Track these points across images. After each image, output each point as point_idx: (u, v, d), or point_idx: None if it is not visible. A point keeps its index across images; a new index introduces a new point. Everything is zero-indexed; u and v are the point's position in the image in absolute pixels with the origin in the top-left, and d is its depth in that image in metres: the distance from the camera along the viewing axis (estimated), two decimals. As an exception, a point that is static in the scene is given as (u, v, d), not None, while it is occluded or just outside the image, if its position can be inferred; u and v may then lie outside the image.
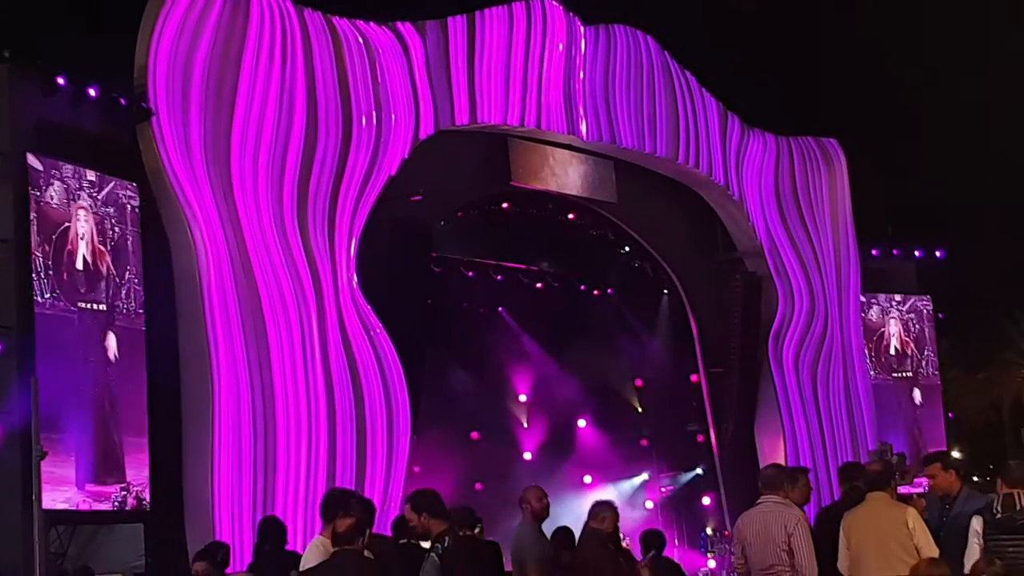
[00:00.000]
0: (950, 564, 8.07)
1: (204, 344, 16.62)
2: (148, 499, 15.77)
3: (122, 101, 16.39)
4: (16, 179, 14.98)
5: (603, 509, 10.58)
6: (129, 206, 16.27)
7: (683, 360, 26.38)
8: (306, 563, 8.61)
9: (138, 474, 15.73)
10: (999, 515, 8.57)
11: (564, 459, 25.68)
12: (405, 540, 9.03)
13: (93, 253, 15.64)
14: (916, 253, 28.97)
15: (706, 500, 26.00)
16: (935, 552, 8.40)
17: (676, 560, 15.99)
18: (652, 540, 11.19)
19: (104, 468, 15.34)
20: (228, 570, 11.26)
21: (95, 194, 15.79)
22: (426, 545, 8.90)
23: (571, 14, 22.89)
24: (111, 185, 16.01)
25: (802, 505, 10.27)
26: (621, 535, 10.31)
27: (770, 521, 9.14)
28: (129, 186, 16.33)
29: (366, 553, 8.18)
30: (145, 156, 16.58)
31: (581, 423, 26.59)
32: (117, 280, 15.89)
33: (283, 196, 18.02)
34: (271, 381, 17.31)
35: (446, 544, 8.47)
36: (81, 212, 15.58)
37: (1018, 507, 8.52)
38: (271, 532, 11.18)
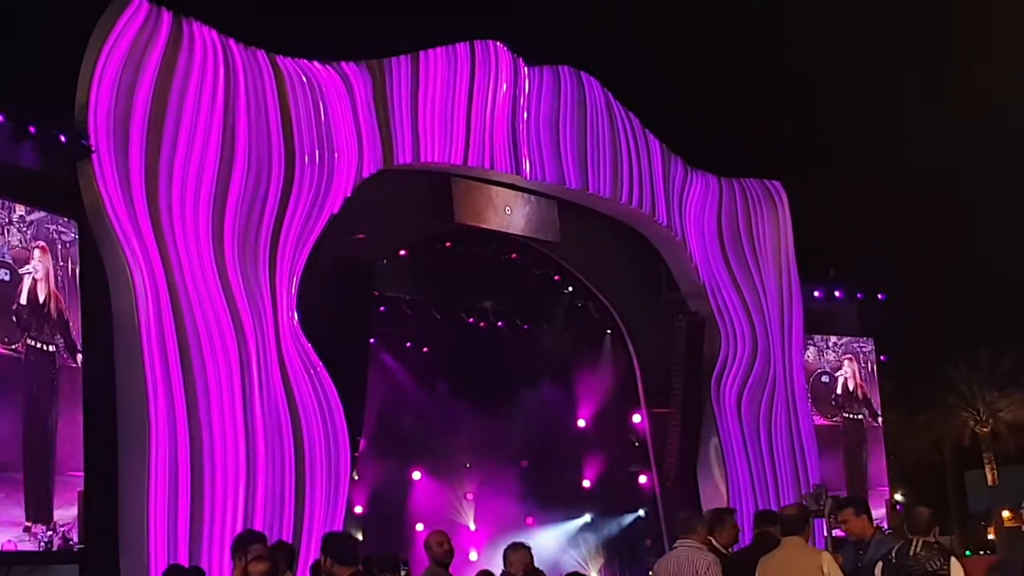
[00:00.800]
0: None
1: (141, 383, 16.50)
2: (75, 539, 15.57)
3: (62, 138, 16.31)
4: (-46, 216, 14.88)
5: (510, 552, 10.66)
6: (67, 243, 16.16)
7: (626, 401, 26.45)
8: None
9: (66, 514, 15.56)
10: (894, 560, 8.74)
11: (506, 500, 25.62)
12: (321, 586, 9.04)
13: (35, 291, 15.53)
14: (858, 295, 29.25)
15: (648, 542, 25.97)
16: (849, 597, 8.51)
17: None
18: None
19: (32, 508, 15.17)
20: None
21: (24, 229, 15.67)
22: None
23: (515, 55, 23.06)
24: (41, 219, 15.86)
25: (729, 547, 10.35)
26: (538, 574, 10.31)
27: (683, 565, 9.20)
28: (68, 223, 16.24)
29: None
30: (85, 194, 16.49)
31: (523, 464, 26.55)
32: (55, 318, 15.78)
33: (224, 234, 17.96)
34: (209, 421, 17.20)
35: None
36: (36, 251, 15.52)
37: (911, 553, 8.69)
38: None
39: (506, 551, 10.75)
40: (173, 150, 17.45)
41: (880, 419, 29.47)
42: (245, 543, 9.14)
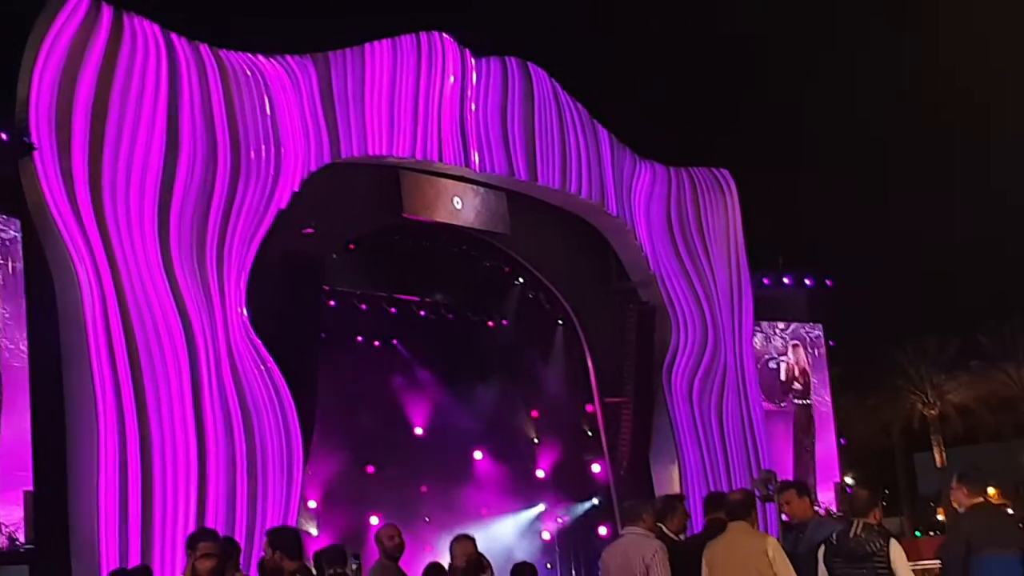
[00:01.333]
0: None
1: (89, 382, 16.40)
2: (22, 540, 15.47)
3: (3, 136, 16.19)
4: None
5: (454, 544, 10.72)
6: (6, 241, 16.03)
7: (578, 390, 26.51)
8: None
9: (11, 514, 15.45)
10: (835, 543, 8.85)
11: (461, 491, 25.65)
12: (271, 580, 9.04)
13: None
14: (807, 282, 29.43)
15: (602, 530, 26.04)
16: (794, 581, 8.58)
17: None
18: (521, 573, 11.29)
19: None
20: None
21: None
22: None
23: (461, 47, 23.04)
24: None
25: (680, 533, 10.41)
26: (485, 564, 10.35)
27: (630, 553, 9.26)
28: (9, 221, 16.12)
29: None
30: (27, 192, 16.38)
31: (477, 455, 26.59)
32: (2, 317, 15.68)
33: (170, 230, 17.87)
34: (159, 419, 17.11)
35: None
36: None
37: (851, 535, 8.79)
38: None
39: (451, 544, 10.80)
40: (117, 146, 17.34)
41: (829, 404, 29.67)
42: (194, 540, 9.13)
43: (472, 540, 10.79)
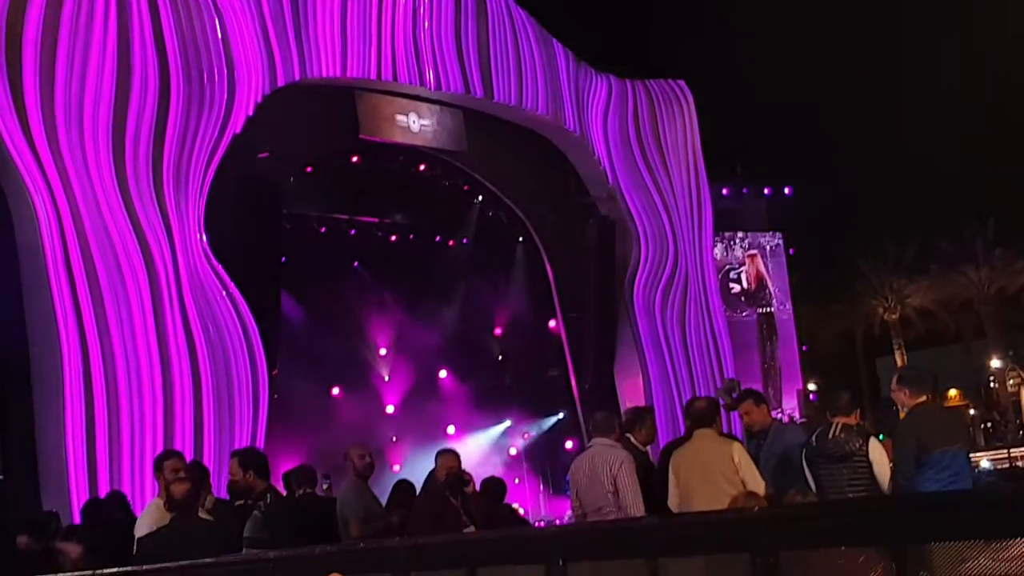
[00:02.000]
0: (774, 493, 8.41)
1: (51, 313, 16.34)
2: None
3: (-47, 67, 15.98)
4: None
5: (438, 456, 10.84)
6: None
7: (541, 307, 26.65)
8: (140, 527, 8.64)
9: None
10: (815, 444, 8.94)
11: (427, 410, 25.80)
12: (241, 502, 9.10)
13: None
14: (765, 191, 29.57)
15: (569, 444, 26.30)
16: (761, 485, 8.66)
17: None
18: (491, 488, 11.45)
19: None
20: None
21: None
22: None
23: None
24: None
25: (648, 444, 10.52)
26: (466, 479, 10.48)
27: (597, 464, 9.34)
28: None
29: (205, 516, 8.21)
30: (-20, 123, 16.22)
31: (442, 374, 26.71)
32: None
33: (125, 157, 17.71)
34: (123, 347, 17.08)
35: (268, 501, 8.59)
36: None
37: (831, 436, 8.87)
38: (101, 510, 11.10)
39: (436, 456, 10.93)
40: (68, 74, 17.10)
41: (790, 312, 29.93)
42: (160, 461, 9.18)
43: (455, 454, 10.92)
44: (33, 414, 16.38)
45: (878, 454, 8.78)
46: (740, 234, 29.31)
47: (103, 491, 15.82)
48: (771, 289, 29.53)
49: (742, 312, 29.15)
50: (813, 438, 8.97)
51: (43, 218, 16.40)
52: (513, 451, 27.22)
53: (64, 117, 16.97)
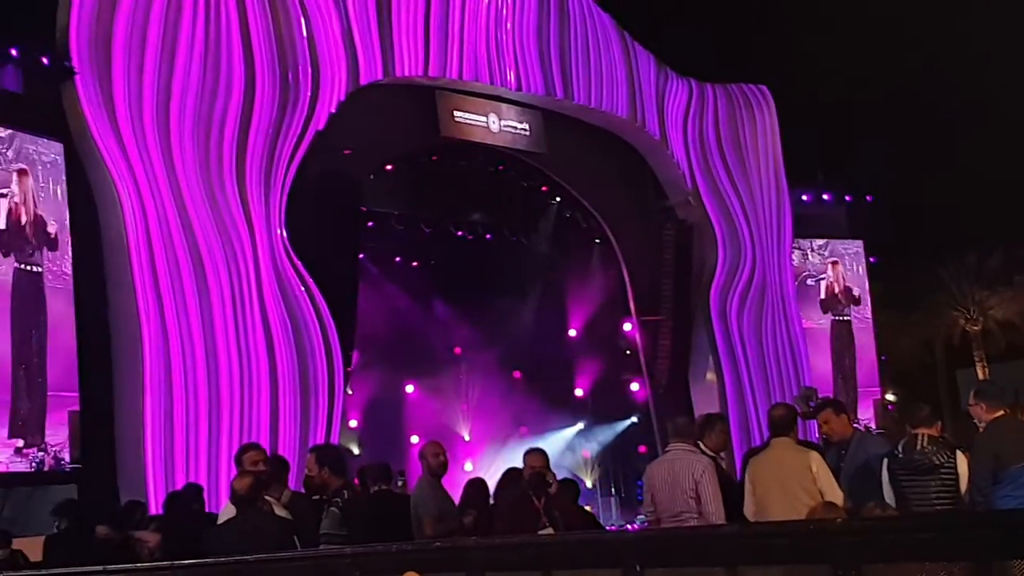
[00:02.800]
0: (853, 505, 8.28)
1: (133, 304, 16.58)
2: (67, 459, 15.70)
3: (44, 61, 16.23)
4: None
5: (525, 455, 10.81)
6: (47, 164, 16.15)
7: (616, 309, 26.54)
8: (221, 519, 8.71)
9: (57, 434, 15.67)
10: (901, 455, 8.74)
11: (500, 410, 25.81)
12: (317, 496, 9.16)
13: (16, 213, 15.57)
14: (846, 198, 29.24)
15: (641, 449, 26.18)
16: (839, 495, 8.53)
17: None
18: (564, 490, 11.40)
19: (22, 429, 15.28)
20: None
21: (3, 151, 15.65)
22: None
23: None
24: (21, 140, 15.82)
25: (719, 452, 10.39)
26: (549, 480, 10.43)
27: (678, 469, 9.21)
28: (50, 144, 16.22)
29: (279, 512, 8.25)
30: (69, 116, 16.47)
31: (516, 374, 26.71)
32: (39, 239, 15.82)
33: (222, 154, 18.01)
34: (203, 339, 17.28)
35: (346, 498, 8.62)
36: (15, 174, 15.53)
37: (918, 448, 8.68)
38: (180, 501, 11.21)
39: (524, 454, 10.89)
40: (157, 71, 17.40)
41: (869, 320, 29.57)
42: (241, 453, 9.26)
43: (541, 453, 10.84)
44: (112, 406, 16.60)
45: (965, 467, 8.61)
46: (819, 241, 29.00)
47: (180, 483, 16.02)
48: (850, 297, 29.19)
49: (818, 320, 28.84)
50: (899, 449, 8.78)
51: (128, 210, 16.63)
52: (585, 454, 27.14)
53: (151, 112, 17.23)
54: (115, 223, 16.68)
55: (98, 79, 16.63)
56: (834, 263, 29.14)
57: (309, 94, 19.43)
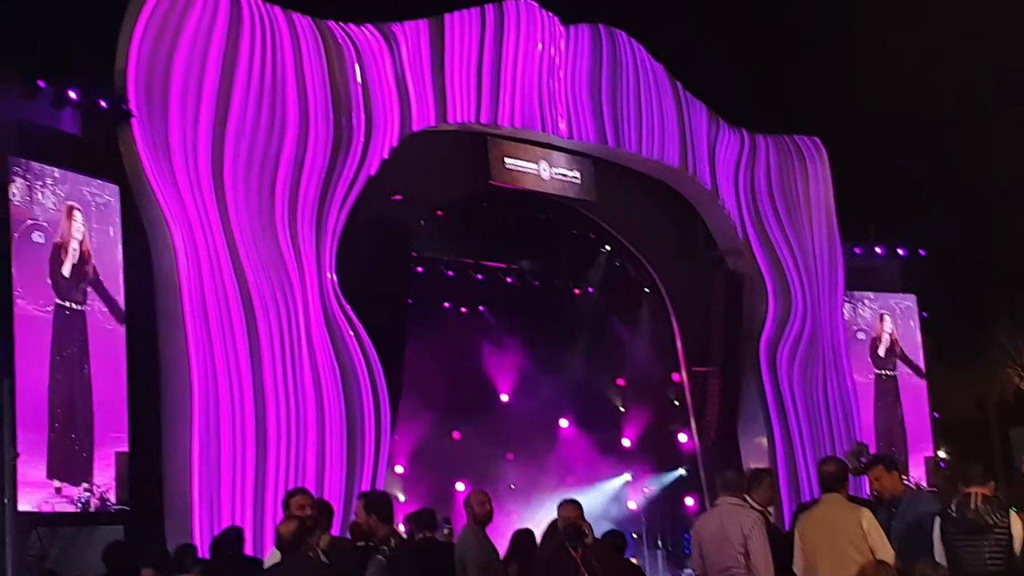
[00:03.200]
0: (903, 564, 8.16)
1: (183, 346, 16.65)
2: (114, 500, 15.73)
3: (102, 103, 16.41)
4: (-1, 183, 15.00)
5: (559, 507, 10.77)
6: (101, 205, 16.29)
7: (665, 359, 26.38)
8: (268, 563, 8.69)
9: (103, 475, 15.70)
10: (954, 514, 8.63)
11: (546, 459, 25.71)
12: (363, 543, 9.13)
13: (69, 254, 15.71)
14: (900, 251, 29.01)
15: (689, 501, 25.99)
16: (890, 553, 8.43)
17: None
18: (611, 541, 11.33)
19: (69, 469, 15.31)
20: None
21: (59, 192, 15.78)
22: None
23: (548, 13, 22.95)
24: (75, 181, 15.98)
25: (767, 507, 10.30)
26: (585, 530, 10.38)
27: (727, 523, 9.15)
28: (104, 186, 16.38)
29: (322, 557, 8.22)
30: (125, 158, 16.62)
31: (563, 423, 26.62)
32: (90, 280, 15.94)
33: (274, 197, 18.18)
34: (254, 382, 17.35)
35: (392, 546, 8.59)
36: (76, 212, 15.66)
37: (972, 507, 8.57)
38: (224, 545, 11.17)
39: (558, 506, 10.86)
40: (214, 114, 17.59)
41: (922, 376, 29.24)
42: (288, 497, 9.26)
43: (575, 504, 10.82)
44: (160, 446, 16.64)
45: (1019, 528, 8.49)
46: (870, 295, 28.75)
47: (226, 525, 16.01)
48: (899, 352, 28.88)
49: (867, 374, 28.56)
50: (952, 508, 8.67)
51: (181, 253, 16.73)
52: (632, 505, 26.95)
53: (207, 155, 17.40)
54: (167, 264, 16.79)
55: (154, 121, 16.79)
56: (883, 317, 28.86)
57: (362, 139, 19.56)
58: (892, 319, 28.98)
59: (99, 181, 16.29)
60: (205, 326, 16.90)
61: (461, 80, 21.34)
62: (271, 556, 8.75)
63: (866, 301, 28.75)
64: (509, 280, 25.21)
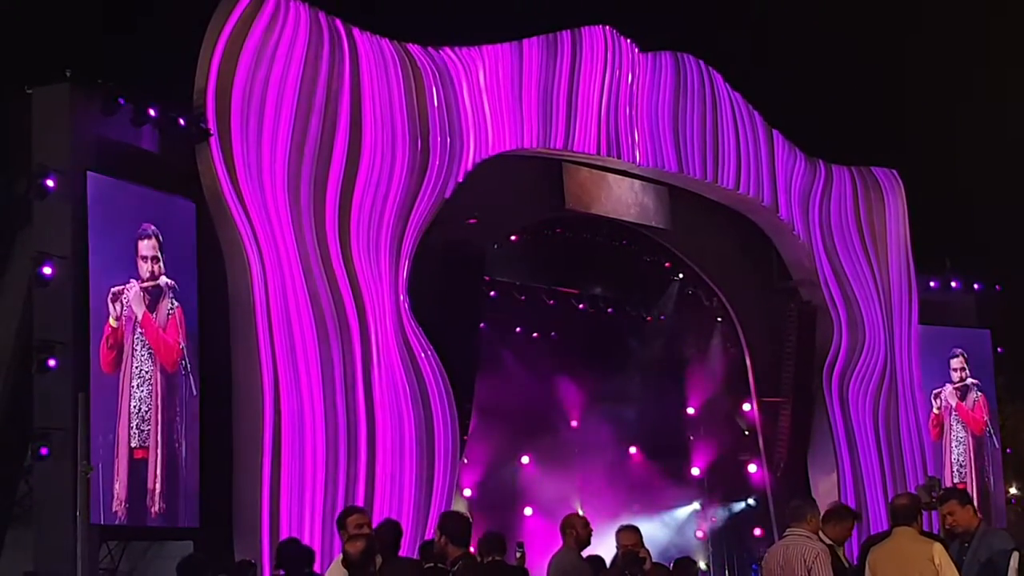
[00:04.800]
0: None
1: (256, 363, 16.77)
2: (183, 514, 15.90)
3: (181, 121, 16.60)
4: (76, 197, 15.21)
5: (619, 532, 10.78)
6: (186, 225, 16.53)
7: (736, 389, 26.28)
8: (326, 582, 8.73)
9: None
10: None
11: (614, 486, 25.60)
12: (431, 564, 9.12)
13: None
14: (975, 286, 28.70)
15: (757, 532, 25.81)
16: (961, 588, 8.36)
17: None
18: (681, 569, 11.28)
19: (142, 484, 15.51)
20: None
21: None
22: None
23: (626, 39, 22.99)
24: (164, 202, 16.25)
25: (839, 542, 10.17)
26: (642, 555, 10.38)
27: (791, 554, 9.08)
28: (187, 205, 16.58)
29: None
30: (203, 177, 16.80)
31: (632, 450, 26.53)
32: (172, 298, 16.14)
33: (349, 219, 18.24)
34: (326, 401, 17.44)
35: (457, 567, 8.59)
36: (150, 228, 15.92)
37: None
38: (286, 555, 11.16)
39: (616, 532, 10.84)
40: (291, 135, 17.71)
41: (993, 411, 28.84)
42: (343, 516, 9.28)
43: (633, 530, 10.82)
44: (231, 462, 16.78)
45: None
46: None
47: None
48: (969, 386, 28.50)
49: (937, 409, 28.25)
50: (1028, 545, 8.58)
51: (255, 269, 16.88)
52: (700, 535, 26.78)
53: (283, 176, 17.55)
54: (243, 286, 16.92)
55: (233, 141, 16.92)
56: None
57: (439, 162, 19.65)
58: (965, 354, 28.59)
59: (178, 199, 16.49)
60: (278, 346, 17.00)
61: (537, 105, 21.43)
62: (331, 571, 8.78)
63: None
64: (581, 306, 25.19)
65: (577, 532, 10.62)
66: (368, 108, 18.74)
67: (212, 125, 16.69)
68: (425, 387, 18.99)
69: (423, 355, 19.02)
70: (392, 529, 9.75)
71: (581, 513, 16.15)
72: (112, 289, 15.37)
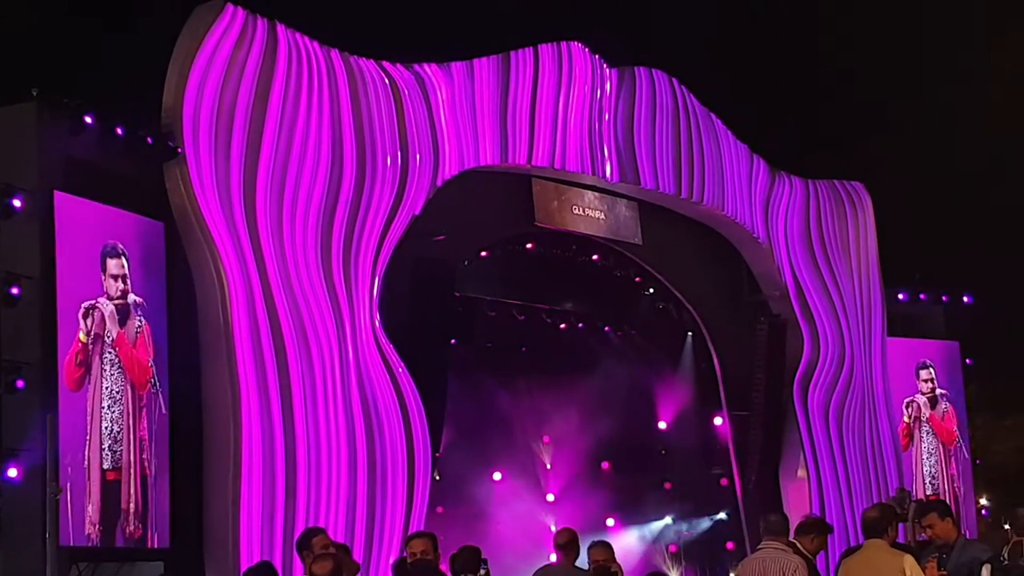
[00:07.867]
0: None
1: (226, 384, 16.69)
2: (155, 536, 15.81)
3: (149, 140, 16.52)
4: (43, 217, 15.14)
5: (590, 548, 10.84)
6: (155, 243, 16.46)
7: (707, 403, 26.34)
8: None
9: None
10: (1006, 562, 8.58)
11: (588, 501, 25.60)
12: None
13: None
14: (943, 298, 28.86)
15: (729, 545, 25.85)
16: (932, 598, 8.38)
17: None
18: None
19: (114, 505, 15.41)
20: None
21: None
22: None
23: (596, 56, 23.03)
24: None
25: (814, 554, 10.23)
26: (613, 569, 10.42)
27: (769, 568, 9.12)
28: (155, 224, 16.51)
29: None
30: (171, 195, 16.72)
31: (604, 465, 26.53)
32: (140, 315, 16.06)
33: (307, 236, 18.15)
34: (292, 423, 17.35)
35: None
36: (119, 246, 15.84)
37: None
38: None
39: (588, 548, 10.87)
40: (257, 153, 17.57)
41: (962, 422, 28.98)
42: (307, 538, 9.25)
43: (604, 546, 10.86)
44: (201, 487, 16.68)
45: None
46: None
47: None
48: (939, 396, 28.62)
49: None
50: (1004, 555, 8.63)
51: (225, 287, 16.78)
52: (672, 548, 26.80)
53: (250, 193, 17.40)
54: (212, 303, 16.83)
55: (201, 159, 16.82)
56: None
57: (398, 178, 19.52)
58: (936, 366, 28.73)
59: (146, 218, 16.42)
60: (248, 367, 16.91)
61: (507, 122, 21.42)
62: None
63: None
64: (551, 321, 25.20)
65: (578, 548, 10.76)
66: (348, 125, 18.67)
67: (182, 143, 16.58)
68: (405, 404, 18.94)
69: (396, 371, 18.97)
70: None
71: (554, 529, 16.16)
72: (83, 304, 15.27)
